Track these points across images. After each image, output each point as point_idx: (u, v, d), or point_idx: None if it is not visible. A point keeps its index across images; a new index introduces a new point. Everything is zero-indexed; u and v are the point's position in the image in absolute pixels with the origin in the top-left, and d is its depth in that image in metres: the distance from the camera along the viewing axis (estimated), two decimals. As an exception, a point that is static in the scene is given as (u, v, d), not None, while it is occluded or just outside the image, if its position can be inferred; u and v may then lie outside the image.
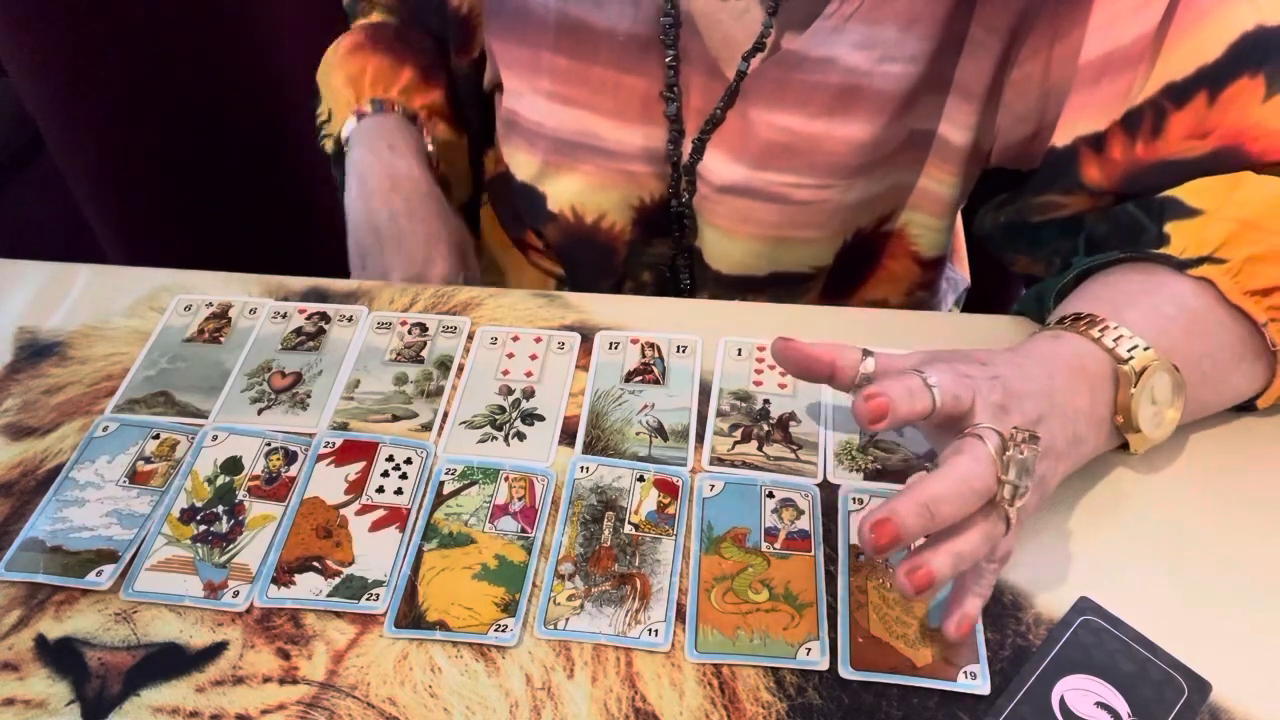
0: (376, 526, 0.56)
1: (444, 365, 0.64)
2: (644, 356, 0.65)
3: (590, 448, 0.59)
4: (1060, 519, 0.55)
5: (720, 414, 0.61)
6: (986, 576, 0.48)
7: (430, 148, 0.79)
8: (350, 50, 0.82)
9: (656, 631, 0.50)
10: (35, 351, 0.66)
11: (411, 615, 0.51)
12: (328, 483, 0.58)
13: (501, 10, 0.71)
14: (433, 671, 0.50)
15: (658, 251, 0.78)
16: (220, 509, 0.57)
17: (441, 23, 0.79)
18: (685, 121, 0.70)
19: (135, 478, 0.58)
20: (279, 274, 0.71)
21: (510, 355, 0.65)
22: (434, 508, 0.56)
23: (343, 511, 0.56)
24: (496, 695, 0.49)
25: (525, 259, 0.86)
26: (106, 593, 0.53)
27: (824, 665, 0.49)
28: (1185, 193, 0.56)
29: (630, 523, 0.55)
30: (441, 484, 0.58)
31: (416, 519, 0.56)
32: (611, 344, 0.65)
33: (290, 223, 1.17)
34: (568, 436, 0.60)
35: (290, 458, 0.59)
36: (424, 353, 0.65)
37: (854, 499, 0.56)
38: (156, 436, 0.60)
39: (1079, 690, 0.47)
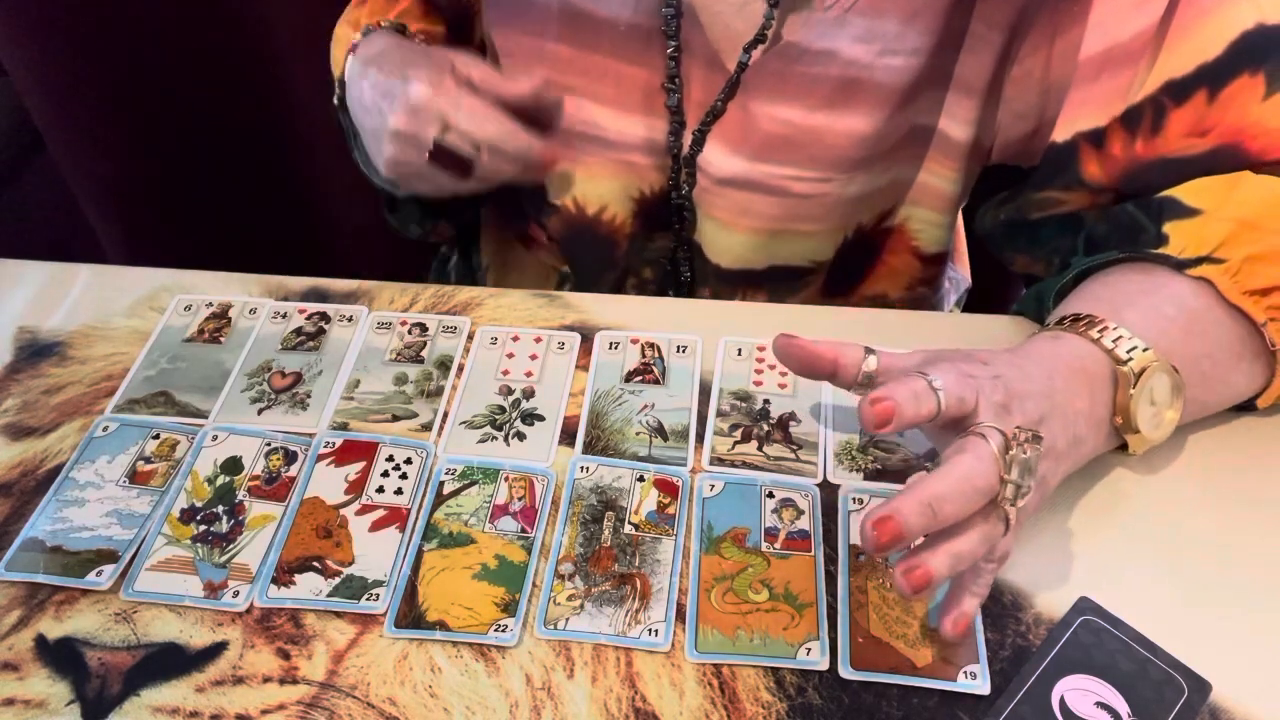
0: (376, 526, 0.56)
1: (444, 365, 0.64)
2: (644, 356, 0.65)
3: (590, 448, 0.59)
4: (1060, 519, 0.55)
5: (720, 414, 0.61)
6: (984, 576, 0.48)
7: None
8: (354, 5, 0.81)
9: (656, 631, 0.50)
10: (35, 351, 0.66)
11: (411, 615, 0.51)
12: (328, 483, 0.58)
13: (503, 1, 0.71)
14: (433, 671, 0.50)
15: (658, 245, 0.78)
16: (220, 509, 0.57)
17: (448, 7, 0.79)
18: (686, 113, 0.70)
19: (135, 478, 0.58)
20: (279, 274, 0.72)
21: (510, 355, 0.65)
22: (434, 508, 0.56)
23: (343, 511, 0.56)
24: (496, 695, 0.49)
25: (527, 253, 0.86)
26: (106, 593, 0.53)
27: (824, 665, 0.49)
28: (1184, 193, 0.57)
29: (630, 523, 0.55)
30: (441, 484, 0.58)
31: (416, 519, 0.56)
32: (611, 344, 0.65)
33: (290, 223, 1.17)
34: (568, 436, 0.60)
35: (290, 458, 0.59)
36: (424, 353, 0.65)
37: (854, 499, 0.56)
38: (156, 436, 0.60)
39: (1079, 690, 0.47)
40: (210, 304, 0.69)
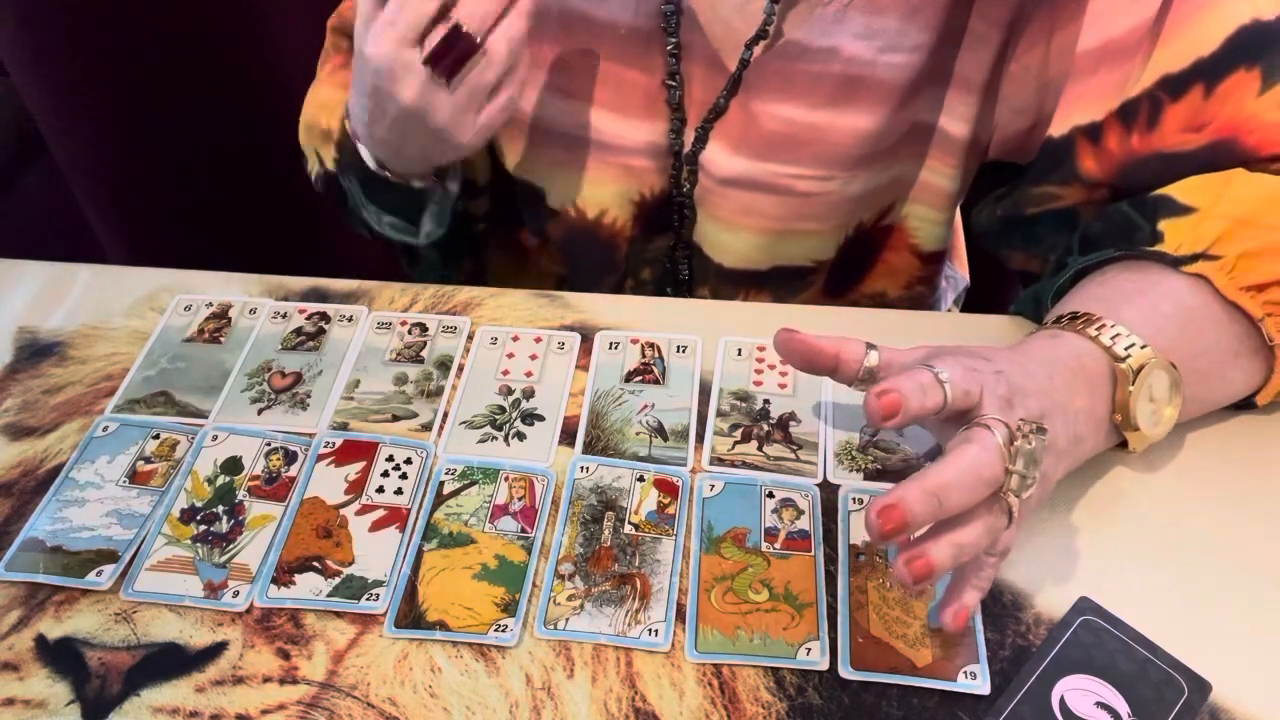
0: (376, 526, 0.56)
1: (444, 365, 0.64)
2: (644, 356, 0.65)
3: (590, 448, 0.59)
4: (1060, 519, 0.55)
5: (720, 414, 0.61)
6: (986, 570, 0.48)
7: None
8: (329, 75, 0.78)
9: (656, 631, 0.50)
10: (35, 351, 0.66)
11: (411, 615, 0.51)
12: (328, 483, 0.58)
13: None
14: (433, 671, 0.50)
15: (658, 246, 0.78)
16: (220, 509, 0.57)
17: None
18: (687, 111, 0.70)
19: (135, 478, 0.58)
20: (279, 274, 0.71)
21: (510, 355, 0.65)
22: (434, 508, 0.56)
23: (343, 511, 0.56)
24: (496, 695, 0.49)
25: (526, 257, 0.86)
26: (106, 593, 0.53)
27: (824, 665, 0.49)
28: (1178, 190, 0.57)
29: (630, 523, 0.55)
30: (441, 484, 0.58)
31: (416, 519, 0.56)
32: (611, 344, 0.65)
33: (290, 223, 1.16)
34: (568, 436, 0.60)
35: (290, 458, 0.59)
36: (424, 353, 0.65)
37: (854, 499, 0.56)
38: (156, 436, 0.60)
39: (1079, 690, 0.47)
40: (210, 304, 0.69)
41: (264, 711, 0.48)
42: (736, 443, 0.59)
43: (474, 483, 0.58)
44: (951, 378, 0.47)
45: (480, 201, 0.81)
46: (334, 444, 0.60)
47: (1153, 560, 0.53)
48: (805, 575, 0.53)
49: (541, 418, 0.61)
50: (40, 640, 0.51)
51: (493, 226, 0.88)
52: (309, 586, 0.53)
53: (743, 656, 0.49)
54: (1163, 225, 0.56)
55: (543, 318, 0.68)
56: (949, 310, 0.93)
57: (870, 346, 0.52)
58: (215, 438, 0.60)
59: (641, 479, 0.57)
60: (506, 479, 0.58)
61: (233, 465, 0.59)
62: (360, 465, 0.59)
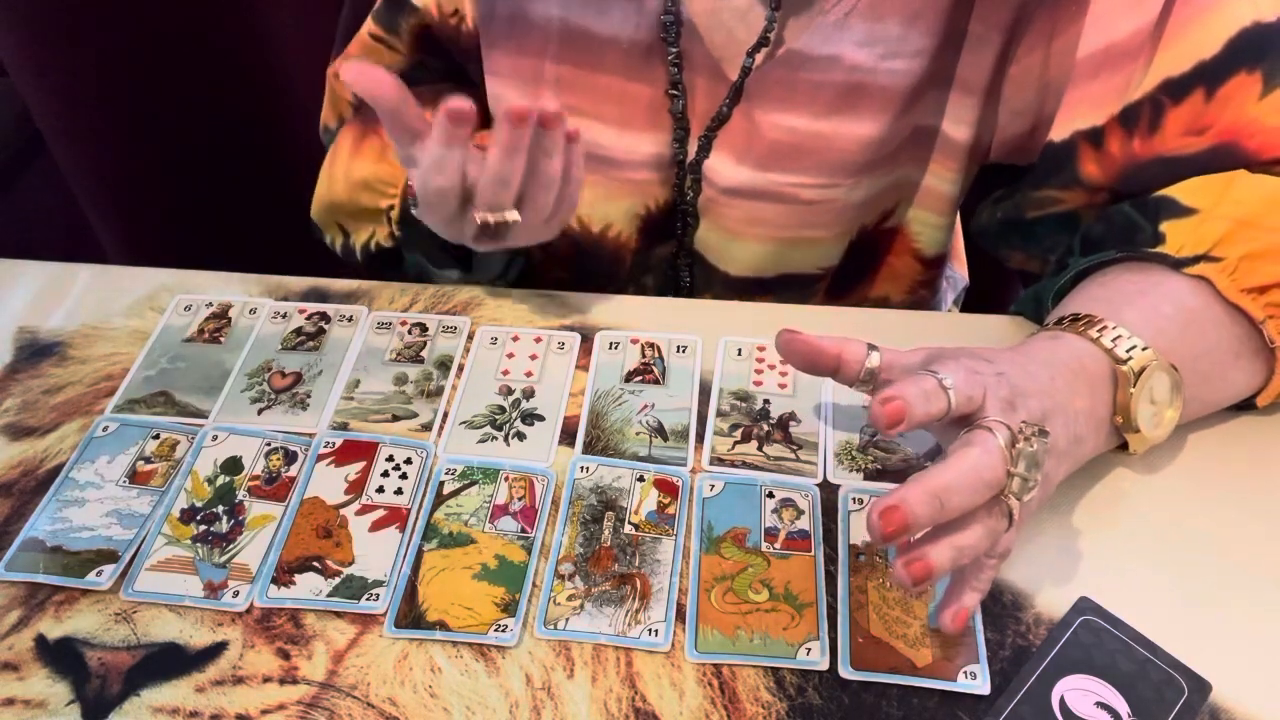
0: (376, 526, 0.56)
1: (444, 365, 0.64)
2: (644, 356, 0.65)
3: (590, 448, 0.59)
4: (1060, 519, 0.55)
5: (720, 414, 0.61)
6: (986, 571, 0.48)
7: None
8: (351, 157, 0.76)
9: (656, 631, 0.50)
10: (35, 351, 0.66)
11: (411, 615, 0.51)
12: (328, 483, 0.58)
13: (498, 20, 0.70)
14: (433, 671, 0.50)
15: (660, 254, 0.77)
16: (220, 509, 0.57)
17: (442, 60, 0.77)
18: (690, 120, 0.70)
19: (135, 478, 0.58)
20: (279, 274, 0.71)
21: (510, 355, 0.65)
22: (434, 508, 0.56)
23: (343, 511, 0.56)
24: (496, 695, 0.49)
25: (528, 266, 0.86)
26: (106, 593, 0.53)
27: (824, 665, 0.49)
28: (1180, 192, 0.57)
29: (630, 523, 0.55)
30: (441, 484, 0.58)
31: (416, 519, 0.56)
32: (611, 344, 0.65)
33: (290, 223, 1.16)
34: (568, 436, 0.60)
35: (290, 458, 0.59)
36: (424, 353, 0.65)
37: (854, 499, 0.56)
38: (156, 436, 0.60)
39: (1079, 690, 0.47)
40: (210, 304, 0.69)
41: (264, 711, 0.48)
42: (736, 443, 0.59)
43: (474, 483, 0.58)
44: (955, 383, 0.47)
45: None
46: (334, 444, 0.60)
47: (1153, 560, 0.53)
48: (805, 575, 0.53)
49: (541, 418, 0.61)
50: (40, 640, 0.51)
51: None
52: (309, 586, 0.53)
53: (743, 656, 0.49)
54: (1164, 227, 0.56)
55: (543, 318, 0.68)
56: (949, 311, 0.93)
57: (872, 348, 0.52)
58: (215, 438, 0.60)
59: (641, 479, 0.57)
60: (506, 479, 0.58)
61: (233, 465, 0.59)
62: (360, 465, 0.59)
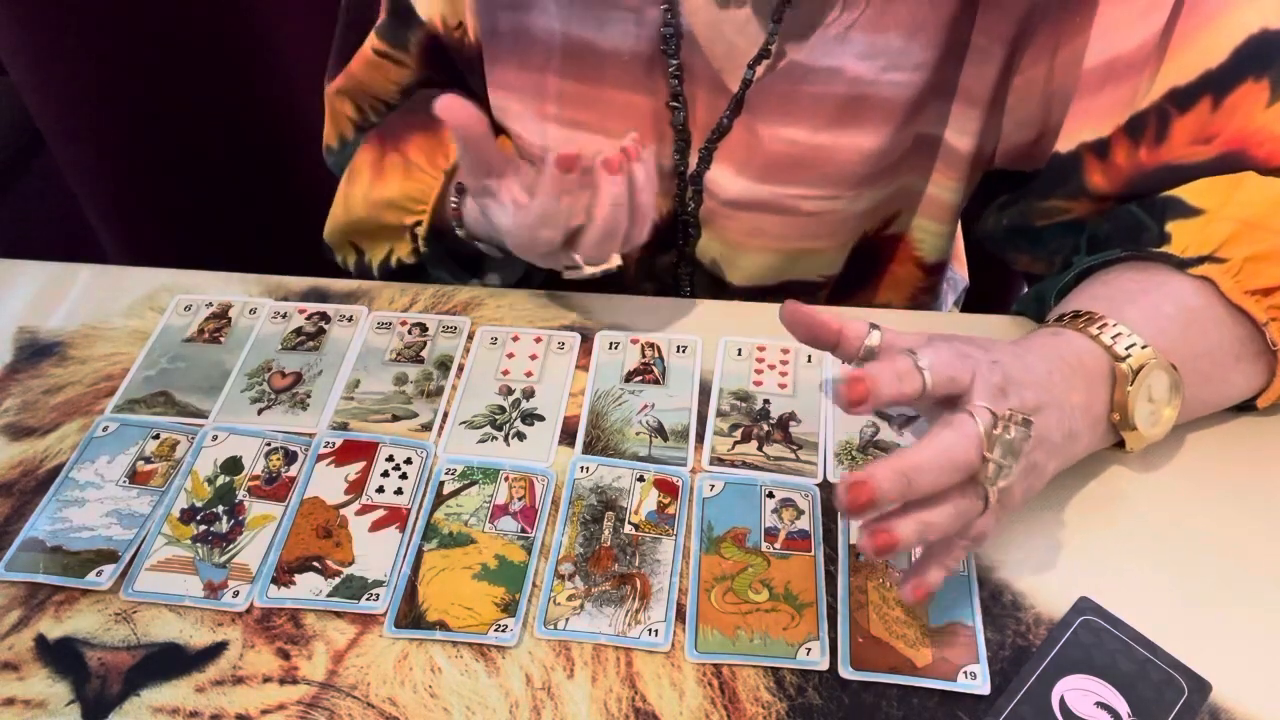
0: (376, 526, 0.56)
1: (444, 365, 0.64)
2: (644, 356, 0.65)
3: (590, 448, 0.59)
4: (1060, 519, 0.55)
5: (720, 414, 0.61)
6: (955, 551, 0.48)
7: None
8: (373, 177, 0.75)
9: (656, 631, 0.50)
10: (35, 351, 0.66)
11: (411, 615, 0.51)
12: (328, 483, 0.58)
13: (501, 35, 0.70)
14: (433, 671, 0.50)
15: (662, 263, 0.77)
16: (220, 509, 0.57)
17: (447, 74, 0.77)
18: (691, 132, 0.70)
19: (135, 478, 0.58)
20: (279, 274, 0.71)
21: (510, 355, 0.65)
22: (434, 508, 0.56)
23: (343, 511, 0.56)
24: (496, 695, 0.49)
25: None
26: (106, 593, 0.53)
27: (824, 665, 0.49)
28: (1187, 192, 0.56)
29: (630, 523, 0.55)
30: (441, 484, 0.58)
31: (416, 519, 0.56)
32: (611, 344, 0.65)
33: (290, 223, 1.16)
34: (568, 436, 0.60)
35: (290, 458, 0.59)
36: (424, 353, 0.65)
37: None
38: (156, 436, 0.60)
39: (1079, 690, 0.47)
40: (210, 304, 0.69)
41: (264, 711, 0.48)
42: (736, 443, 0.59)
43: (474, 483, 0.58)
44: (934, 364, 0.47)
45: None
46: (334, 444, 0.60)
47: (1153, 560, 0.53)
48: (805, 575, 0.53)
49: (541, 418, 0.61)
50: (40, 640, 0.51)
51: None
52: (309, 586, 0.53)
53: (743, 656, 0.49)
54: (1170, 227, 0.56)
55: (543, 318, 0.68)
56: (950, 311, 0.93)
57: (874, 327, 0.52)
58: (215, 438, 0.60)
59: (641, 479, 0.57)
60: (506, 479, 0.58)
61: (233, 465, 0.59)
62: (360, 465, 0.59)
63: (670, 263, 0.77)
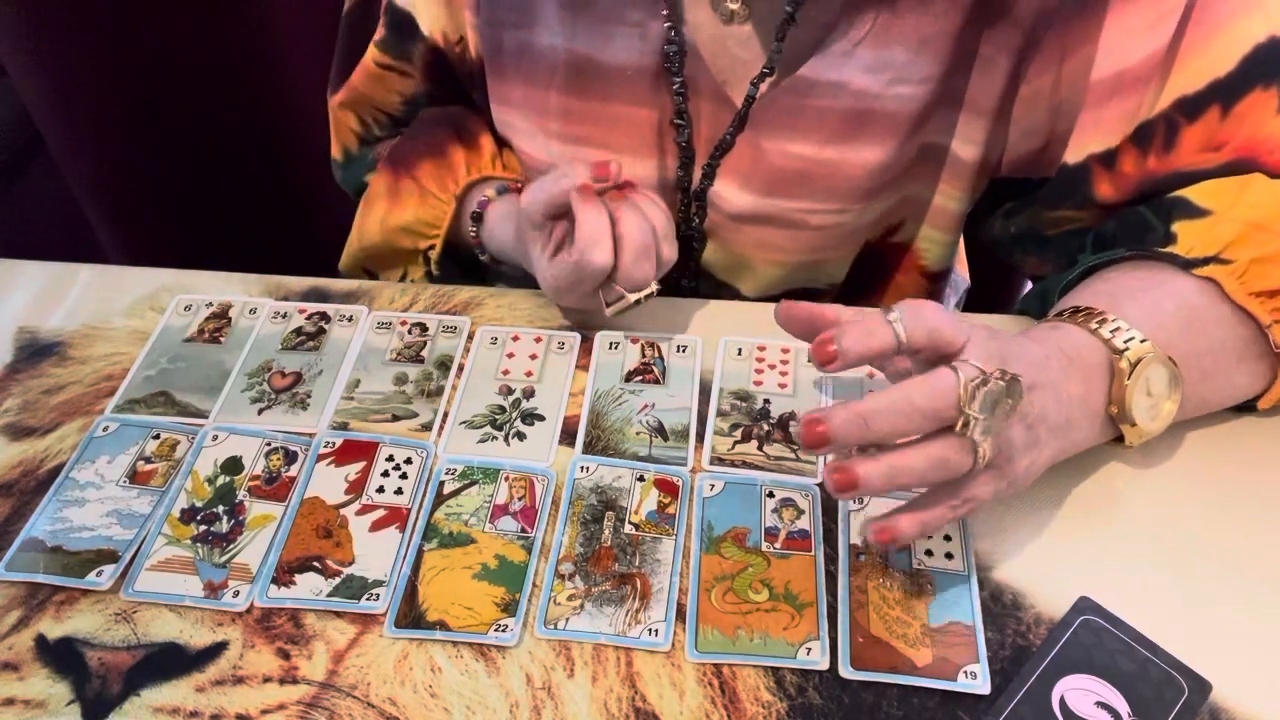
0: (376, 526, 0.56)
1: (444, 365, 0.64)
2: (644, 356, 0.65)
3: (590, 448, 0.59)
4: (1060, 519, 0.55)
5: (720, 414, 0.61)
6: (941, 509, 0.48)
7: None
8: (389, 204, 0.76)
9: (656, 631, 0.50)
10: (35, 351, 0.66)
11: (411, 615, 0.51)
12: (328, 483, 0.58)
13: (505, 52, 0.70)
14: (433, 671, 0.50)
15: (668, 274, 0.77)
16: (220, 509, 0.57)
17: (454, 91, 0.78)
18: (695, 148, 0.69)
19: (135, 478, 0.58)
20: (279, 274, 0.71)
21: (510, 355, 0.65)
22: (434, 508, 0.56)
23: (343, 511, 0.56)
24: (496, 695, 0.49)
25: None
26: (106, 593, 0.53)
27: (824, 665, 0.49)
28: (1194, 193, 0.56)
29: (630, 522, 0.55)
30: (441, 484, 0.58)
31: (416, 519, 0.56)
32: (611, 344, 0.65)
33: (290, 223, 1.16)
34: (568, 436, 0.60)
35: (290, 458, 0.59)
36: (424, 353, 0.65)
37: (854, 500, 0.56)
38: (157, 436, 0.60)
39: (1079, 690, 0.47)
40: (210, 304, 0.69)
41: (264, 711, 0.48)
42: (736, 442, 0.59)
43: (474, 483, 0.58)
44: (906, 316, 0.46)
45: None
46: (334, 444, 0.60)
47: (1153, 560, 0.53)
48: (805, 575, 0.53)
49: (541, 418, 0.61)
50: (40, 640, 0.51)
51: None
52: (309, 586, 0.53)
53: (743, 656, 0.49)
54: (1177, 227, 0.56)
55: (542, 318, 0.68)
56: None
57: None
58: (215, 438, 0.60)
59: (641, 479, 0.57)
60: (506, 479, 0.58)
61: (233, 465, 0.59)
62: (360, 465, 0.59)
63: (675, 274, 0.77)
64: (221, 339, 0.67)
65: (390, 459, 0.59)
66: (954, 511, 0.48)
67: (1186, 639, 0.49)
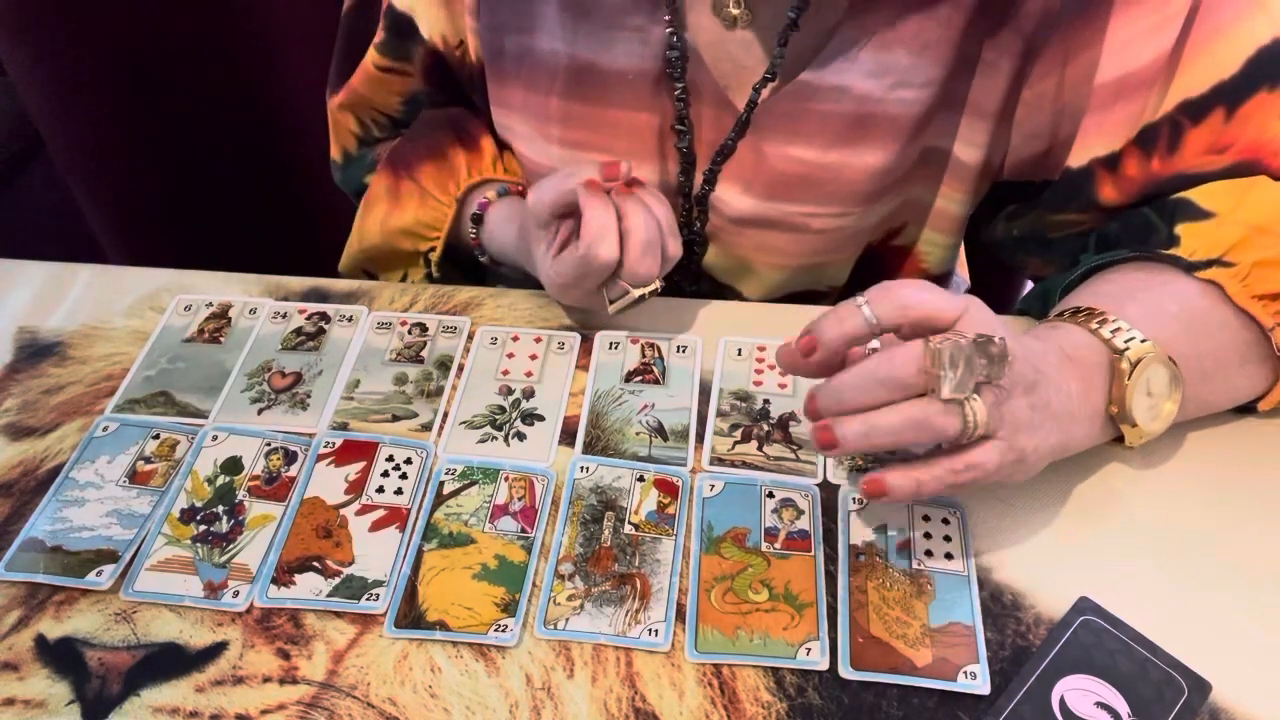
0: (376, 526, 0.56)
1: (444, 365, 0.64)
2: (644, 356, 0.65)
3: (590, 448, 0.59)
4: (1060, 519, 0.55)
5: (720, 414, 0.61)
6: (937, 469, 0.48)
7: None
8: (389, 206, 0.77)
9: (656, 631, 0.50)
10: (35, 351, 0.66)
11: (411, 615, 0.51)
12: (328, 483, 0.58)
13: (506, 56, 0.70)
14: (433, 671, 0.50)
15: (668, 277, 0.77)
16: (220, 509, 0.57)
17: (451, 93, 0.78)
18: (697, 153, 0.69)
19: (135, 478, 0.58)
20: (279, 274, 0.71)
21: (510, 355, 0.65)
22: (434, 508, 0.56)
23: (343, 511, 0.56)
24: (496, 695, 0.49)
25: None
26: (106, 593, 0.53)
27: (824, 665, 0.49)
28: (1198, 195, 0.56)
29: (630, 523, 0.55)
30: (441, 484, 0.58)
31: (416, 519, 0.56)
32: (611, 344, 0.65)
33: (290, 223, 1.16)
34: (568, 436, 0.60)
35: (290, 458, 0.59)
36: (424, 353, 0.65)
37: (854, 499, 0.56)
38: (156, 436, 0.60)
39: (1079, 690, 0.47)
40: (210, 304, 0.69)
41: (264, 711, 0.48)
42: (736, 443, 0.59)
43: (474, 483, 0.58)
44: (874, 298, 0.48)
45: None
46: (334, 444, 0.60)
47: (1152, 560, 0.53)
48: (805, 575, 0.53)
49: (541, 418, 0.61)
50: (40, 640, 0.51)
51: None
52: (309, 586, 0.53)
53: (743, 656, 0.49)
54: (1180, 229, 0.56)
55: (542, 318, 0.68)
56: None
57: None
58: (215, 438, 0.60)
59: (641, 479, 0.57)
60: (506, 479, 0.58)
61: (233, 465, 0.59)
62: (360, 465, 0.59)
63: (676, 281, 0.77)
64: (221, 339, 0.67)
65: (390, 459, 0.59)
66: (955, 476, 0.48)
67: (1186, 639, 0.49)
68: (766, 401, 0.61)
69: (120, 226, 1.13)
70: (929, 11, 0.60)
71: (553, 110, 0.69)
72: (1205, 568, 0.52)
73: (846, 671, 0.49)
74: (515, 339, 0.66)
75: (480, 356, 0.65)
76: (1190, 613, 0.51)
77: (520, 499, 0.57)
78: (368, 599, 0.52)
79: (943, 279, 0.79)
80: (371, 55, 0.75)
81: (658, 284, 0.61)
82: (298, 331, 0.67)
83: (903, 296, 0.48)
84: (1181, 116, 0.56)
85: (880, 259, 0.76)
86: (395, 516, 0.56)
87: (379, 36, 0.74)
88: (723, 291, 0.76)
